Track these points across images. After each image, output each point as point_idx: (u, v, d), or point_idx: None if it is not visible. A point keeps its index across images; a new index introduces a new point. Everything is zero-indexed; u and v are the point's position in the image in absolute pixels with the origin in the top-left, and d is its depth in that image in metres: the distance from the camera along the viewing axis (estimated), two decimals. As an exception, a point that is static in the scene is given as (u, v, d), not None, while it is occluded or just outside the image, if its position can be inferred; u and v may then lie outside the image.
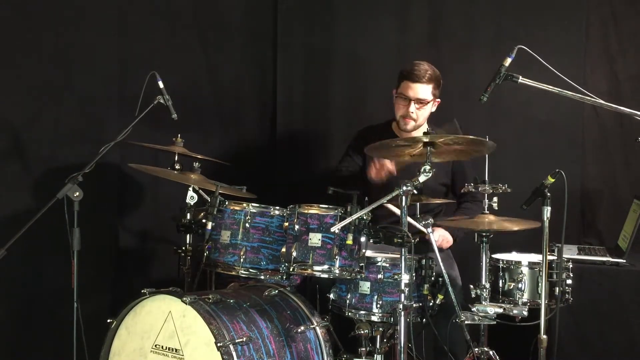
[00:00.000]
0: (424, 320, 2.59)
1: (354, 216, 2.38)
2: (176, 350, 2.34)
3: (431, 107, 3.15)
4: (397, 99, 3.12)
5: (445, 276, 2.49)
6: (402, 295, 2.29)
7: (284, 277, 2.54)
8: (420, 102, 3.08)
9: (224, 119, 3.98)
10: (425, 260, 2.56)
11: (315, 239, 2.44)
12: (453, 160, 3.15)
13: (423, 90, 3.06)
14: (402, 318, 2.28)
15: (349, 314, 2.57)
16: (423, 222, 2.46)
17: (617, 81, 3.70)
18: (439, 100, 3.16)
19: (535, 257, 2.73)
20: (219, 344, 2.22)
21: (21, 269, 2.88)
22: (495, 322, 2.54)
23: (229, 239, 2.58)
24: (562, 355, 2.78)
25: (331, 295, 2.63)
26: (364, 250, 2.48)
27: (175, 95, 2.85)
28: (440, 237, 3.03)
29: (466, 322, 2.49)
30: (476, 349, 2.66)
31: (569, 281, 2.62)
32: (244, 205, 2.60)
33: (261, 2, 4.23)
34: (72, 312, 2.49)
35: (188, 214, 2.94)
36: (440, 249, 2.73)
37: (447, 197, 3.25)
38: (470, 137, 2.39)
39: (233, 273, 2.58)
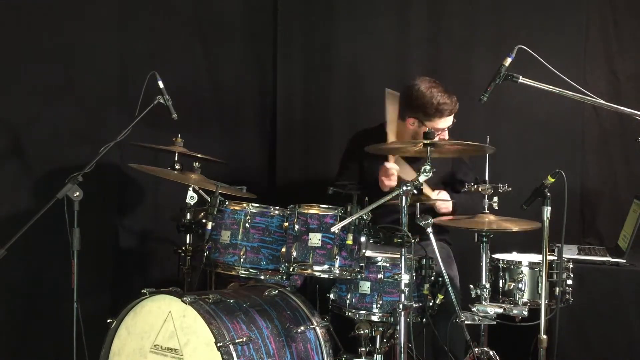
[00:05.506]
0: (424, 320, 2.59)
1: (354, 216, 2.37)
2: (176, 350, 2.34)
3: None
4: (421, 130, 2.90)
5: (445, 276, 2.49)
6: (402, 295, 2.29)
7: (284, 277, 2.54)
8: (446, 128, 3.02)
9: (224, 119, 3.98)
10: (425, 260, 2.56)
11: (315, 239, 2.44)
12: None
13: (451, 118, 3.01)
14: (402, 318, 2.28)
15: (349, 314, 2.56)
16: (423, 222, 2.46)
17: (617, 81, 3.69)
18: None
19: (535, 257, 2.73)
20: (219, 344, 2.22)
21: (21, 269, 2.88)
22: (495, 322, 2.54)
23: (229, 239, 2.58)
24: (562, 355, 2.78)
25: (331, 295, 2.63)
26: (364, 250, 2.48)
27: (175, 95, 2.85)
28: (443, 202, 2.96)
29: (466, 322, 2.49)
30: (476, 349, 2.66)
31: (569, 281, 2.62)
32: (244, 205, 2.60)
33: (261, 2, 4.23)
34: (72, 312, 2.50)
35: (188, 214, 2.94)
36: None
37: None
38: (469, 143, 2.39)
39: (233, 273, 2.58)
